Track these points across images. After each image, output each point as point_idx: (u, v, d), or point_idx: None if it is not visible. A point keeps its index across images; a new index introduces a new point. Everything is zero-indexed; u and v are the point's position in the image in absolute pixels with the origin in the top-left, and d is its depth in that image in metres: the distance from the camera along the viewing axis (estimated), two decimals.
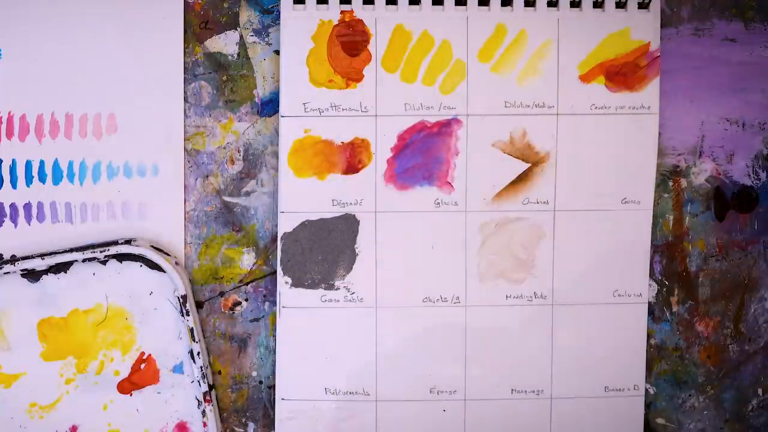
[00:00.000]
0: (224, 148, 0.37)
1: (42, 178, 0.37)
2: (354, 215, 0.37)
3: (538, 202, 0.37)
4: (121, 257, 0.36)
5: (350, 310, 0.37)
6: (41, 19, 0.36)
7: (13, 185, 0.37)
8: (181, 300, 0.36)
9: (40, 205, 0.37)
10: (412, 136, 0.37)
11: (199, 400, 0.37)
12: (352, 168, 0.37)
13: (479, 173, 0.37)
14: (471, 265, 0.37)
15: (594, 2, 0.36)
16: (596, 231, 0.37)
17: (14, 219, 0.37)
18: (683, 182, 0.38)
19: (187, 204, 0.37)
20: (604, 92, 0.37)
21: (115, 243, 0.36)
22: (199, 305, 0.38)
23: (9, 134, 0.37)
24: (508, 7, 0.36)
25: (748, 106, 0.38)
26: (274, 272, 0.38)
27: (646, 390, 0.38)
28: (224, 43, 0.37)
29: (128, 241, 0.36)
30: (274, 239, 0.38)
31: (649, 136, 0.37)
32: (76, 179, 0.37)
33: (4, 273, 0.36)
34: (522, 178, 0.37)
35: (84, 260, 0.36)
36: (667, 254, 0.38)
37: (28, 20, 0.36)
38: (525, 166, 0.37)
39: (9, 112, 0.36)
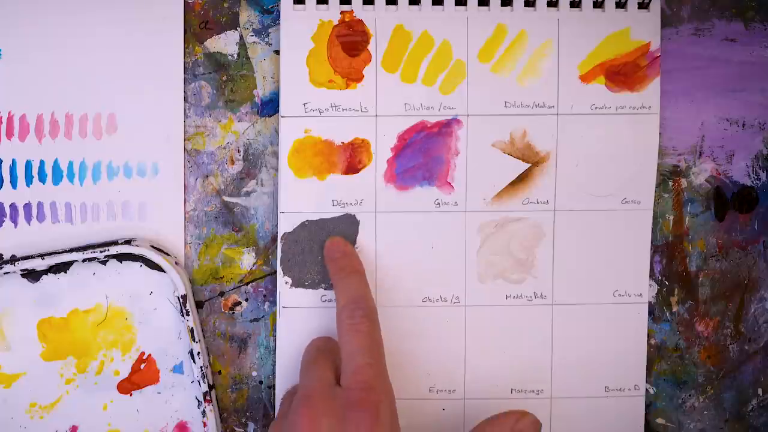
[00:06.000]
0: (224, 148, 0.37)
1: (42, 178, 0.37)
2: (354, 215, 0.37)
3: (538, 202, 0.37)
4: (121, 257, 0.36)
5: None
6: (41, 19, 0.36)
7: (13, 185, 0.37)
8: (181, 300, 0.36)
9: (40, 205, 0.37)
10: (412, 136, 0.37)
11: (199, 400, 0.37)
12: (352, 168, 0.37)
13: (479, 173, 0.37)
14: (471, 265, 0.37)
15: (594, 2, 0.36)
16: (596, 231, 0.37)
17: (14, 219, 0.37)
18: (683, 182, 0.38)
19: (187, 204, 0.37)
20: (604, 92, 0.37)
21: (115, 243, 0.36)
22: (199, 305, 0.38)
23: (9, 134, 0.37)
24: (508, 7, 0.36)
25: (748, 106, 0.38)
26: (274, 272, 0.38)
27: (646, 390, 0.38)
28: (224, 43, 0.37)
29: (128, 241, 0.36)
30: (274, 239, 0.38)
31: (649, 136, 0.37)
32: (76, 179, 0.37)
33: (4, 273, 0.36)
34: (522, 178, 0.37)
35: (84, 260, 0.36)
36: (667, 254, 0.38)
37: (28, 20, 0.36)
38: (525, 166, 0.37)
39: (9, 112, 0.36)
